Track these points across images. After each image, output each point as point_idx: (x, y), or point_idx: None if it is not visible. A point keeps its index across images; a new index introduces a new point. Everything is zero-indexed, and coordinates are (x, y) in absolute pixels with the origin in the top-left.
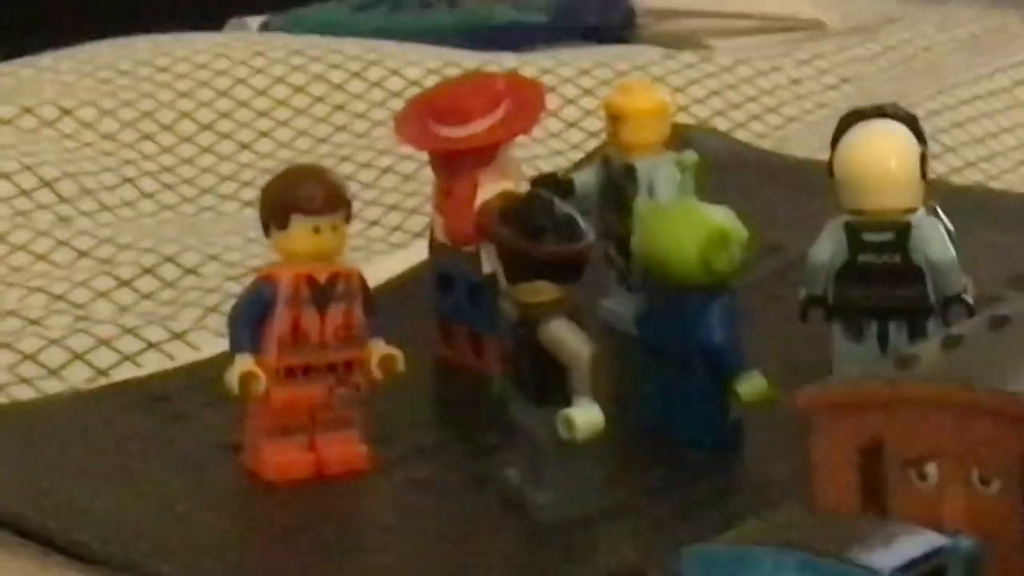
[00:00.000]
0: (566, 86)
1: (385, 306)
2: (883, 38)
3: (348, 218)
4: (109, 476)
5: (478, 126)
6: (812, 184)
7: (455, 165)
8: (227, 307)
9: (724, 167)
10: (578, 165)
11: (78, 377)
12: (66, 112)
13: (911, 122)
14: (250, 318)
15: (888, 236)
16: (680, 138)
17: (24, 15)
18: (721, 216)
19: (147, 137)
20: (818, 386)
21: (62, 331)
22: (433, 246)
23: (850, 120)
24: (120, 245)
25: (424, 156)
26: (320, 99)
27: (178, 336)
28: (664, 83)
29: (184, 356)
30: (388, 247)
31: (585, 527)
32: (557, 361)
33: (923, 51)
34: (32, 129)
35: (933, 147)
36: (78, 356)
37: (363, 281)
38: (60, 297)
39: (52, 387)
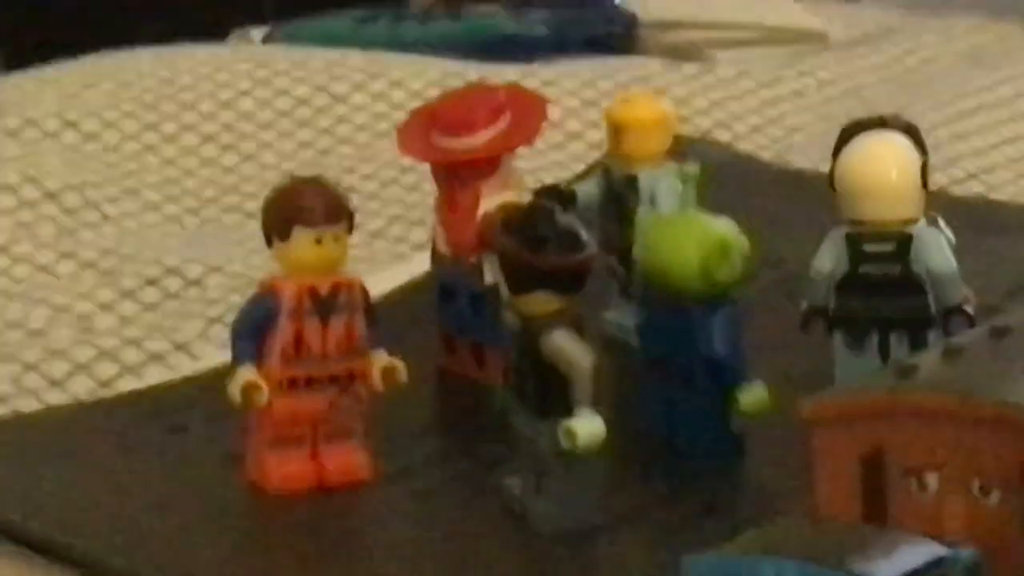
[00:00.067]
0: (568, 98)
1: (387, 317)
2: (885, 49)
3: (350, 229)
4: (111, 487)
5: (480, 138)
6: (814, 195)
7: (457, 176)
8: (230, 319)
9: (726, 178)
10: (580, 176)
11: (81, 389)
12: (69, 124)
13: (912, 133)
14: (252, 329)
15: (889, 247)
16: (682, 149)
17: (27, 27)
18: (723, 227)
19: (150, 149)
20: (819, 396)
21: (65, 342)
22: (435, 257)
23: (851, 131)
24: (123, 256)
25: (426, 167)
26: (322, 111)
27: (180, 347)
28: (666, 94)
29: (186, 367)
30: (390, 258)
31: (587, 538)
32: (559, 372)
33: (925, 62)
34: (35, 141)
35: (934, 158)
36: (81, 367)
37: (365, 292)
38: (63, 308)
39: (54, 398)
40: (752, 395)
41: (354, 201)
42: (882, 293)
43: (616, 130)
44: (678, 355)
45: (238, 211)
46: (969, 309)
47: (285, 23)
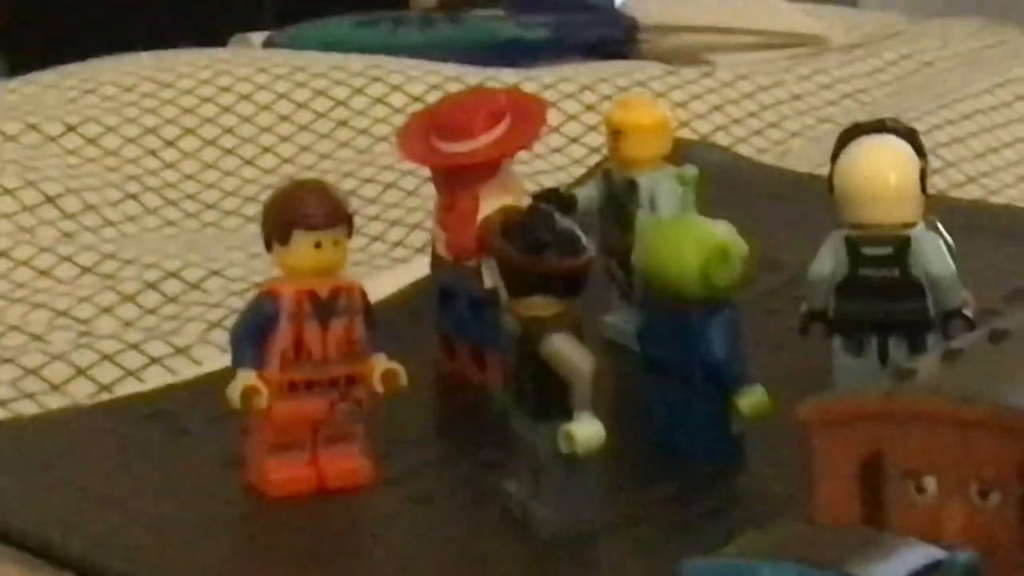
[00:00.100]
0: (568, 102)
1: (387, 321)
2: (884, 53)
3: (350, 233)
4: (111, 491)
5: (480, 141)
6: (813, 199)
7: (457, 180)
8: (230, 322)
9: (725, 182)
10: (580, 180)
11: (81, 392)
12: (70, 128)
13: (911, 136)
14: (252, 333)
15: (888, 250)
16: (681, 153)
17: (28, 33)
18: (722, 231)
19: (150, 153)
20: (818, 399)
21: (65, 346)
22: (435, 261)
23: (850, 134)
24: (123, 260)
25: (426, 171)
26: (323, 115)
27: (181, 351)
28: (665, 98)
29: (187, 371)
30: (390, 262)
31: (586, 541)
32: (558, 376)
33: (924, 66)
34: (36, 145)
35: (934, 161)
36: (81, 371)
37: (365, 296)
38: (63, 312)
39: (55, 402)
40: (751, 398)
41: (354, 205)
42: (881, 296)
43: (616, 134)
44: (677, 358)
45: (238, 215)
46: (968, 312)
47: (285, 27)
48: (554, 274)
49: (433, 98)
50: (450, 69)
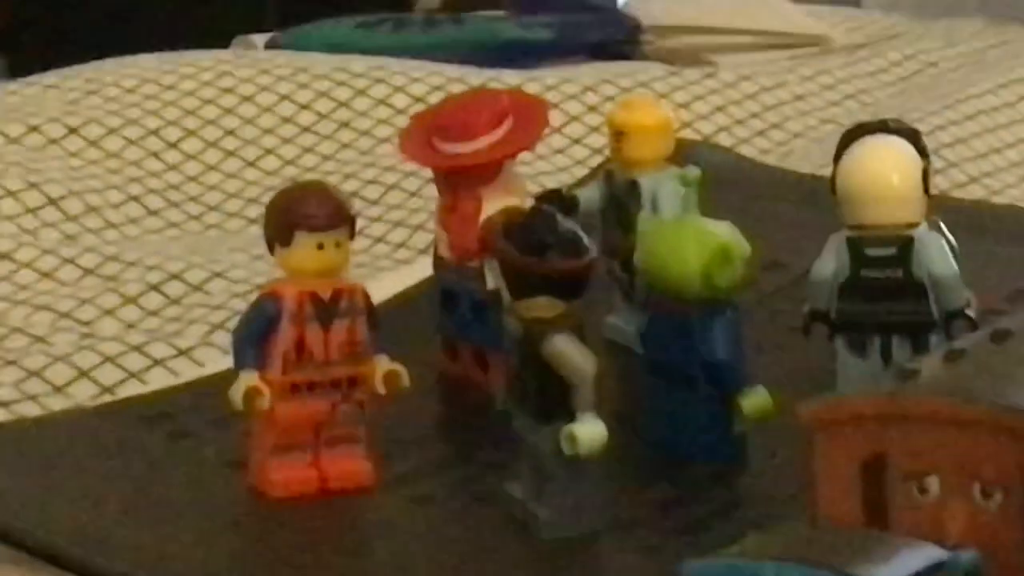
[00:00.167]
0: (570, 103)
1: (389, 322)
2: (887, 54)
3: (352, 235)
4: (114, 493)
5: (482, 143)
6: (815, 200)
7: (459, 182)
8: (232, 324)
9: (727, 183)
10: (582, 181)
11: (84, 394)
12: (72, 130)
13: (913, 137)
14: (254, 335)
15: (891, 251)
16: (683, 154)
17: (29, 34)
18: (724, 232)
19: (153, 155)
20: (821, 400)
21: (68, 348)
22: (437, 262)
23: (853, 135)
24: (126, 262)
25: (429, 173)
26: (325, 116)
27: (183, 353)
28: (668, 99)
29: (189, 373)
30: (393, 263)
31: (589, 542)
32: (560, 376)
33: (927, 67)
34: (38, 147)
35: (936, 162)
36: (84, 373)
37: (367, 297)
38: (66, 314)
39: (58, 404)
40: (754, 399)
41: (356, 206)
42: (884, 297)
43: (618, 135)
44: (680, 359)
45: (240, 217)
46: (971, 313)
47: (288, 29)
48: (556, 275)
49: (435, 99)
50: (453, 70)
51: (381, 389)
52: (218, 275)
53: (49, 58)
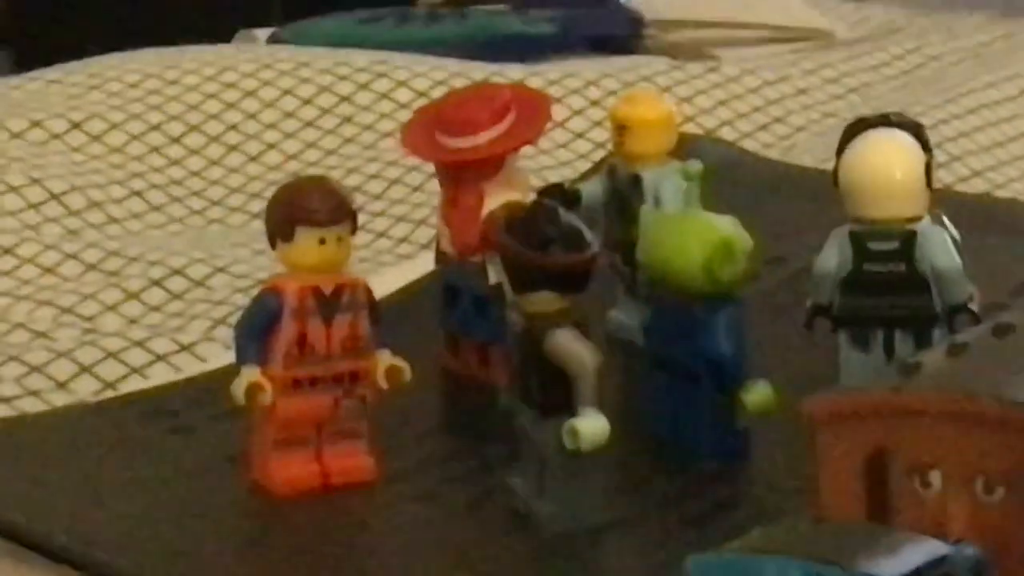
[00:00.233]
0: (573, 97)
1: (391, 317)
2: (890, 48)
3: (354, 229)
4: (115, 488)
5: (484, 137)
6: (818, 194)
7: (461, 176)
8: (234, 319)
9: (730, 177)
10: (584, 175)
11: (86, 390)
12: (74, 125)
13: (916, 131)
14: (256, 330)
15: (893, 245)
16: (686, 148)
17: (32, 29)
18: (727, 226)
19: (155, 150)
20: (823, 395)
21: (70, 343)
22: (439, 257)
23: (855, 129)
24: (128, 258)
25: (431, 168)
26: (327, 111)
27: (186, 348)
28: (671, 93)
29: (192, 368)
30: (395, 258)
31: (591, 537)
32: (563, 371)
33: (930, 60)
34: (40, 142)
35: (939, 156)
36: (86, 369)
37: (369, 292)
38: (68, 310)
39: (60, 399)
40: (757, 394)
41: (358, 201)
42: (887, 291)
43: (620, 129)
44: (682, 354)
45: (243, 212)
46: (974, 307)
47: (290, 23)
48: (559, 270)
49: (438, 94)
50: (455, 65)
51: (383, 384)
52: (220, 270)
53: (52, 53)
